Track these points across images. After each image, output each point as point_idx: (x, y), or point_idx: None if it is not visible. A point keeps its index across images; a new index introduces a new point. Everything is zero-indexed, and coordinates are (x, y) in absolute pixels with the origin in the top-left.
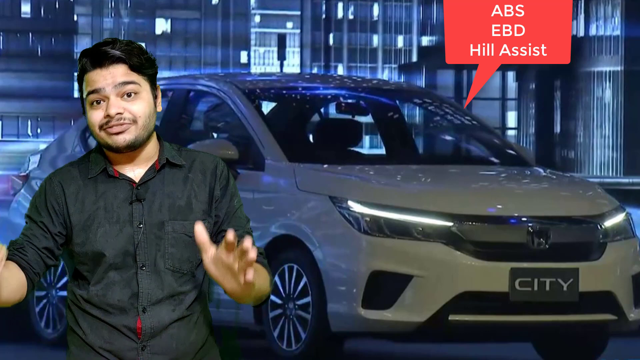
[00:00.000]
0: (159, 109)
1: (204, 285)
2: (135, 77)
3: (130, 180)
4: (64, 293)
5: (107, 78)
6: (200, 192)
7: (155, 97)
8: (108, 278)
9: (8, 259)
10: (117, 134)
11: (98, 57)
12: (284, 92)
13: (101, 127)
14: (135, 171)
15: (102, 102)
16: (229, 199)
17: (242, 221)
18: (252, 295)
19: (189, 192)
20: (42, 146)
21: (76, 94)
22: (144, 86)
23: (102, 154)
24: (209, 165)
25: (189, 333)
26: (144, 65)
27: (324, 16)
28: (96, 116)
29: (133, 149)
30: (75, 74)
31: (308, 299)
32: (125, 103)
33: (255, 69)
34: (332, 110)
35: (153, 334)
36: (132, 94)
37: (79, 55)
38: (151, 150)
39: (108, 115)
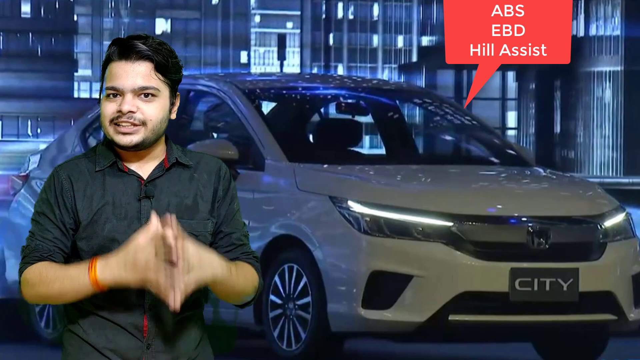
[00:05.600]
0: (173, 116)
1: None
2: (155, 81)
3: (139, 177)
4: None
5: (129, 75)
6: (205, 192)
7: (172, 104)
8: None
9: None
10: (125, 134)
11: (127, 49)
12: (284, 92)
13: (111, 121)
14: (143, 168)
15: (118, 96)
16: (229, 201)
17: (240, 224)
18: (226, 292)
19: (195, 191)
20: (42, 146)
21: (76, 94)
22: (163, 91)
23: (111, 148)
24: (213, 167)
25: (190, 331)
26: (169, 69)
27: (324, 16)
28: (109, 108)
29: (138, 150)
30: (75, 73)
31: (308, 299)
32: (140, 102)
33: (255, 69)
34: (332, 110)
35: (157, 332)
36: (150, 95)
37: (78, 55)
38: (159, 149)
39: (120, 111)
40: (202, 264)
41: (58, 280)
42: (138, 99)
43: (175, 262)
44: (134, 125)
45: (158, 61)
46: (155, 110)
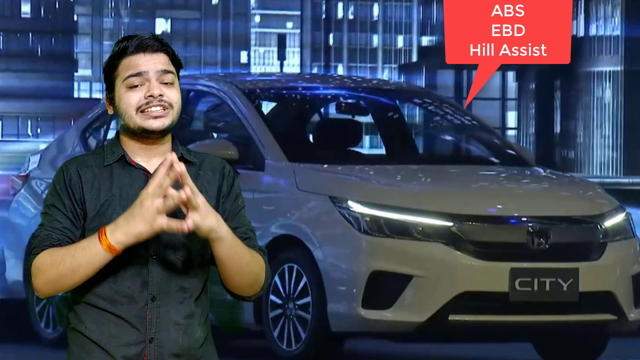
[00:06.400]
0: None
1: (208, 282)
2: (173, 69)
3: (146, 170)
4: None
5: (150, 63)
6: (210, 189)
7: None
8: (118, 265)
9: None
10: (156, 117)
11: (142, 42)
12: (284, 92)
13: (139, 109)
14: (149, 163)
15: (140, 85)
16: (234, 198)
17: (245, 220)
18: (235, 272)
19: (200, 187)
20: (42, 146)
21: (76, 94)
22: (176, 81)
23: (119, 143)
24: (217, 165)
25: (195, 329)
26: (179, 62)
27: (324, 16)
28: (135, 97)
29: (162, 135)
30: (75, 73)
31: (308, 299)
32: (164, 88)
33: (255, 69)
34: (332, 110)
35: (160, 325)
36: (169, 83)
37: (78, 55)
38: (166, 145)
39: (150, 96)
40: (208, 208)
41: (69, 255)
42: (161, 85)
43: (184, 194)
44: (164, 108)
45: (171, 54)
46: (177, 95)
